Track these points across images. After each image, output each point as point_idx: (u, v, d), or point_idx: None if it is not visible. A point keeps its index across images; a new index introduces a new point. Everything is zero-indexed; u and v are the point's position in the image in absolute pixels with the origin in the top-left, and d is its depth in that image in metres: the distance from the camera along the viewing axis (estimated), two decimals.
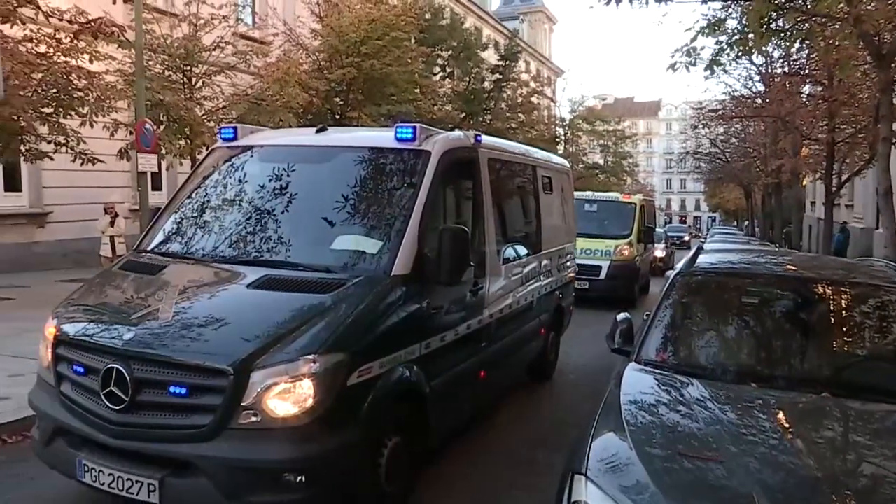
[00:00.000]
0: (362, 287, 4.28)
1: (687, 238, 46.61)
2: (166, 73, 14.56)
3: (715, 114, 30.87)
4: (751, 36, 9.99)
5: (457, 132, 5.87)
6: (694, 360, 4.26)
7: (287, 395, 3.71)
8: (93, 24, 11.27)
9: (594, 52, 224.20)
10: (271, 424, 3.70)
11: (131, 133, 13.21)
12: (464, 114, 26.02)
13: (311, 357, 3.75)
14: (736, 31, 10.54)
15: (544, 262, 7.74)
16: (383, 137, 5.43)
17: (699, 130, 37.83)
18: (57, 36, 11.25)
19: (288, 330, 3.90)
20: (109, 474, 3.79)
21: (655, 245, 21.01)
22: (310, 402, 3.71)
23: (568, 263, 9.09)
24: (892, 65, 10.29)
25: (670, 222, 79.52)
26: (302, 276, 4.42)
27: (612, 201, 17.36)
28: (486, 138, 6.27)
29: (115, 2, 12.41)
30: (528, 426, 6.76)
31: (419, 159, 5.04)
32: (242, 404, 3.67)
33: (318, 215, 4.95)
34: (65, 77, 11.14)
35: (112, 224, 13.30)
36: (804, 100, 21.98)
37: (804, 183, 30.77)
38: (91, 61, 11.52)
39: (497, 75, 28.59)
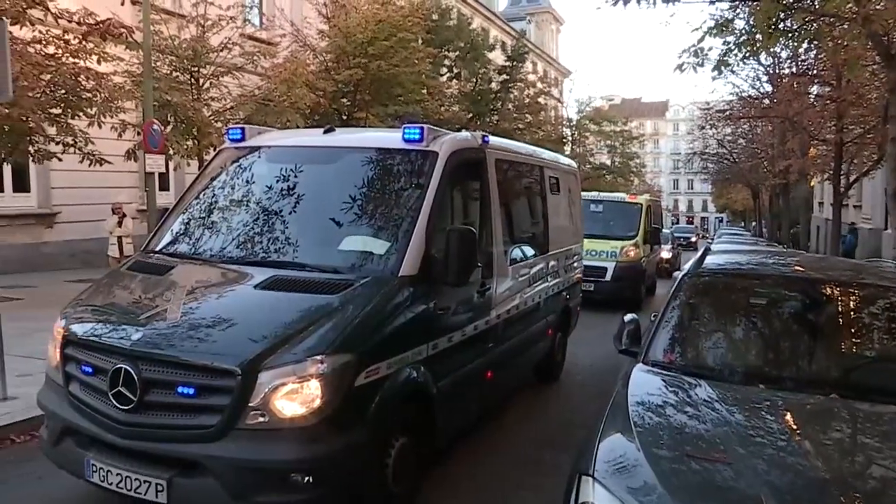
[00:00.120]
0: (370, 288, 4.29)
1: (694, 239, 46.16)
2: (174, 73, 14.59)
3: (722, 114, 30.77)
4: (758, 36, 9.94)
5: (464, 133, 5.87)
6: (702, 361, 4.25)
7: (295, 396, 3.71)
8: (101, 25, 11.31)
9: (601, 53, 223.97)
10: (279, 425, 3.71)
11: (139, 134, 13.26)
12: (471, 114, 26.00)
13: (318, 357, 3.76)
14: (744, 31, 10.49)
15: (551, 262, 7.73)
16: (391, 138, 5.43)
17: (706, 131, 37.69)
18: (65, 37, 11.28)
19: (295, 330, 3.90)
20: (117, 474, 3.81)
21: (661, 246, 20.79)
22: (317, 402, 3.72)
23: (575, 264, 9.08)
24: None
25: (677, 223, 79.34)
26: (309, 276, 4.43)
27: (617, 202, 17.16)
28: (493, 139, 6.27)
29: (123, 3, 12.47)
30: (535, 427, 6.75)
31: (427, 160, 5.04)
32: (250, 405, 3.68)
33: (326, 216, 4.96)
34: (73, 78, 11.17)
35: (120, 224, 13.34)
36: (812, 100, 21.91)
37: (812, 184, 30.66)
38: (99, 62, 11.55)
39: (504, 76, 28.57)
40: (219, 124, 14.58)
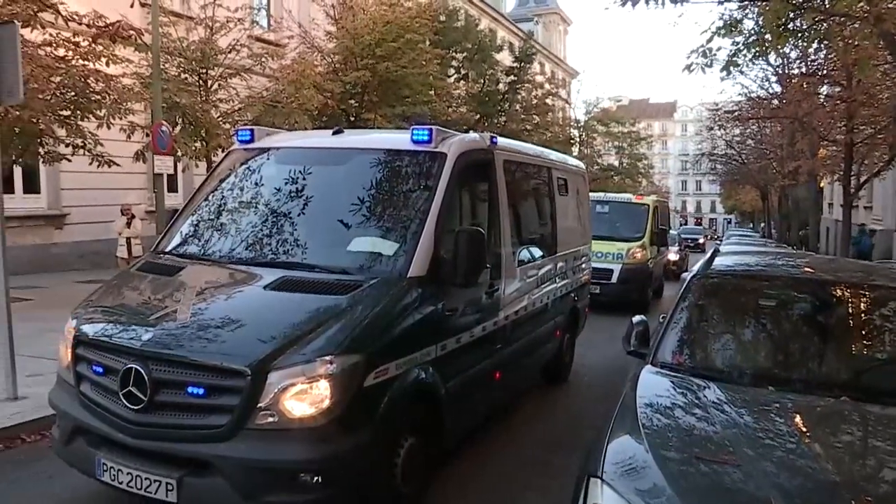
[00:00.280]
0: (379, 289, 4.30)
1: (702, 241, 45.58)
2: (182, 75, 14.64)
3: (731, 115, 30.69)
4: (767, 36, 9.91)
5: (473, 134, 5.87)
6: (710, 362, 4.24)
7: (304, 396, 3.72)
8: (110, 27, 11.35)
9: (609, 54, 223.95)
10: (288, 425, 3.72)
11: (147, 135, 13.31)
12: (478, 115, 26.02)
13: (327, 358, 3.77)
14: (752, 31, 10.46)
15: (559, 263, 7.73)
16: (399, 139, 5.43)
17: (715, 132, 37.67)
18: (75, 40, 11.34)
19: (305, 331, 3.92)
20: (128, 473, 3.83)
21: (669, 248, 20.46)
22: (326, 402, 3.73)
23: (583, 265, 9.07)
24: None
25: (685, 224, 79.03)
26: (319, 277, 4.44)
27: (624, 202, 16.90)
28: (501, 140, 6.27)
29: (132, 5, 12.52)
30: (543, 428, 6.75)
31: (435, 161, 5.05)
32: (259, 405, 3.70)
33: (335, 217, 4.97)
34: (83, 80, 11.22)
35: (128, 225, 13.41)
36: (822, 100, 21.81)
37: (821, 185, 30.52)
38: (108, 64, 11.59)
39: (512, 77, 28.57)
40: (227, 125, 14.63)
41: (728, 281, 5.00)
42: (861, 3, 9.16)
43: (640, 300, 14.14)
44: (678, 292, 4.95)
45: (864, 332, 4.47)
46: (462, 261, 4.60)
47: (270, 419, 3.70)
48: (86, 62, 11.29)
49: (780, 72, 25.67)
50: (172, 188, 17.95)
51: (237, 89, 15.24)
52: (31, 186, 16.15)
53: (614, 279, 14.31)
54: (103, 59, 11.42)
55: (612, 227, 14.90)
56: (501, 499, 5.10)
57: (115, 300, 4.79)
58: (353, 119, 18.02)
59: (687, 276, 5.30)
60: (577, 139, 40.72)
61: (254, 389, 3.69)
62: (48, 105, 10.85)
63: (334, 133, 5.88)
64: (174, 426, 3.82)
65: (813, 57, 20.43)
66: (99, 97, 11.59)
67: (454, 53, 25.77)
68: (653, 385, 3.80)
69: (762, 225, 56.13)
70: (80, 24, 11.33)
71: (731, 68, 10.93)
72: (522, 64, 28.95)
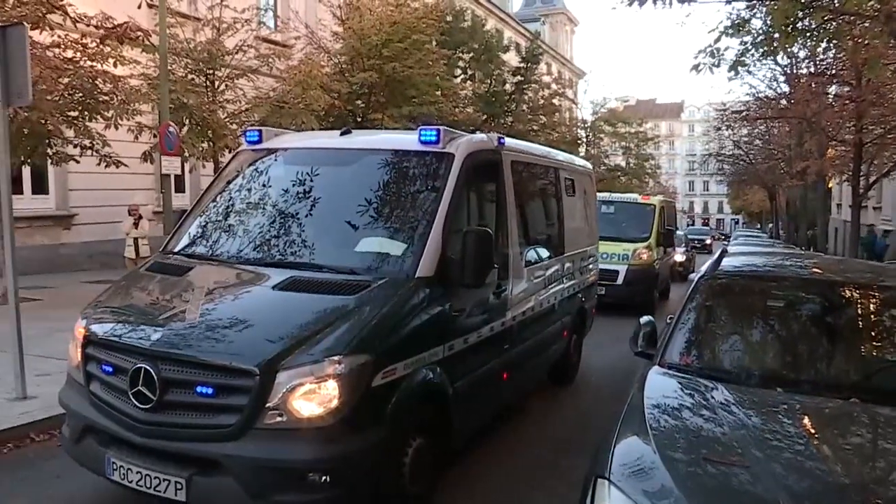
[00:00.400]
0: (387, 289, 4.30)
1: (709, 241, 45.19)
2: (189, 76, 14.70)
3: (739, 115, 30.62)
4: (776, 36, 9.88)
5: (480, 135, 5.86)
6: (718, 363, 4.22)
7: (312, 396, 3.73)
8: (118, 28, 11.41)
9: (616, 54, 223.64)
10: (296, 425, 3.73)
11: (155, 136, 13.36)
12: (485, 116, 25.99)
13: (336, 358, 3.78)
14: (761, 31, 10.44)
15: (567, 264, 7.72)
16: (407, 140, 5.43)
17: (722, 132, 37.56)
18: (83, 41, 11.39)
19: (313, 331, 3.93)
20: (137, 472, 3.85)
21: (675, 249, 20.16)
22: (335, 402, 3.74)
23: (590, 266, 9.06)
24: None
25: (692, 224, 78.72)
26: (327, 277, 4.45)
27: (630, 203, 16.63)
28: (509, 140, 6.27)
29: (139, 6, 12.56)
30: (550, 428, 6.74)
31: (443, 162, 5.05)
32: (268, 404, 3.71)
33: (343, 218, 4.97)
34: (91, 81, 11.28)
35: (136, 226, 13.43)
36: (831, 100, 21.75)
37: (830, 185, 30.42)
38: (116, 65, 11.65)
39: (518, 77, 28.53)
40: (234, 126, 14.69)
41: (736, 282, 4.98)
42: (871, 2, 9.12)
43: (645, 302, 13.84)
44: (686, 293, 4.93)
45: (873, 334, 4.44)
46: (470, 261, 4.60)
47: (279, 419, 3.71)
48: (94, 63, 11.35)
49: (789, 71, 25.65)
50: (180, 189, 18.02)
51: (244, 90, 15.28)
52: (40, 187, 16.24)
53: (620, 280, 14.07)
54: (111, 61, 11.49)
55: (617, 228, 14.64)
56: (509, 499, 5.10)
57: (125, 300, 4.82)
58: (359, 119, 18.05)
59: (695, 276, 5.28)
60: (584, 139, 40.65)
61: (262, 389, 3.70)
62: (56, 106, 10.91)
63: (342, 134, 5.89)
64: (183, 425, 3.83)
65: (822, 56, 20.36)
66: (107, 98, 11.65)
67: (461, 54, 25.77)
68: (660, 386, 3.80)
69: (770, 226, 55.94)
70: (88, 25, 11.39)
71: (739, 68, 10.92)
72: (529, 64, 28.91)
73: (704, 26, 19.57)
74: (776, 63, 24.98)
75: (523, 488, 5.25)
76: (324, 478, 3.70)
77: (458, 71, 26.19)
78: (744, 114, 30.00)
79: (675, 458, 2.96)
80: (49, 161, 12.99)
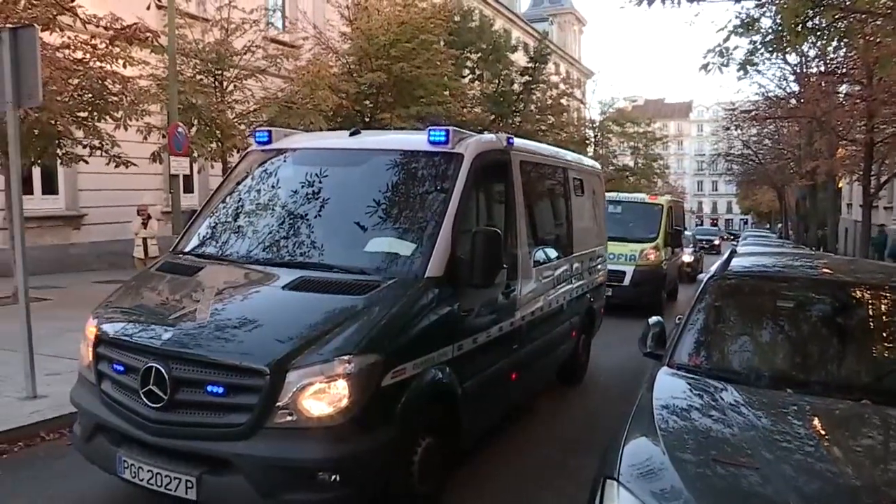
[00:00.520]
0: (396, 289, 4.31)
1: (717, 242, 44.81)
2: (198, 77, 14.75)
3: (748, 115, 30.51)
4: (786, 35, 9.83)
5: (489, 135, 5.86)
6: (727, 364, 4.21)
7: (322, 395, 3.74)
8: (127, 29, 11.47)
9: (624, 54, 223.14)
10: (306, 424, 3.74)
11: (164, 136, 13.40)
12: (493, 116, 25.98)
13: (346, 358, 3.79)
14: (770, 30, 10.40)
15: (575, 264, 7.71)
16: (416, 140, 5.43)
17: (731, 132, 37.45)
18: (93, 42, 11.45)
19: (323, 331, 3.94)
20: (148, 470, 3.87)
21: (684, 249, 19.86)
22: (344, 402, 3.75)
23: (599, 266, 9.05)
24: None
25: (701, 225, 78.38)
26: (336, 277, 4.46)
27: (637, 202, 16.42)
28: (518, 141, 6.27)
29: (148, 8, 12.63)
30: (559, 429, 6.74)
31: (452, 162, 5.05)
32: (278, 404, 3.72)
33: (353, 218, 4.98)
34: (100, 82, 11.32)
35: (145, 226, 13.50)
36: (841, 99, 21.64)
37: (840, 185, 30.29)
38: (125, 66, 11.70)
39: (526, 77, 28.51)
40: (242, 126, 14.73)
41: (746, 282, 4.96)
42: (883, 0, 9.06)
43: (653, 303, 13.57)
44: (695, 293, 4.92)
45: (884, 335, 4.42)
46: (479, 261, 4.60)
47: (289, 418, 3.72)
48: (103, 64, 11.39)
49: (798, 70, 25.53)
50: (188, 189, 18.10)
51: (252, 90, 15.33)
52: (50, 187, 16.36)
53: (627, 281, 13.84)
54: (120, 61, 11.53)
55: (624, 228, 14.39)
56: (517, 499, 5.10)
57: (136, 300, 4.85)
58: (367, 120, 18.07)
59: (704, 276, 5.26)
60: (593, 139, 40.57)
61: (273, 388, 3.71)
62: (66, 107, 10.97)
63: (351, 134, 5.89)
64: (194, 424, 3.84)
65: (832, 55, 20.24)
66: (116, 99, 11.71)
67: (469, 54, 25.76)
68: (669, 387, 3.79)
69: (779, 226, 55.70)
70: (98, 26, 11.45)
71: (749, 67, 10.88)
72: (537, 64, 28.88)
73: (713, 25, 19.54)
74: (786, 62, 24.94)
75: (532, 488, 5.24)
76: (333, 477, 3.71)
77: (466, 71, 26.18)
78: (753, 113, 29.90)
79: (685, 460, 2.95)
80: (59, 161, 13.05)
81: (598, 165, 10.58)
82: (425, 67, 18.08)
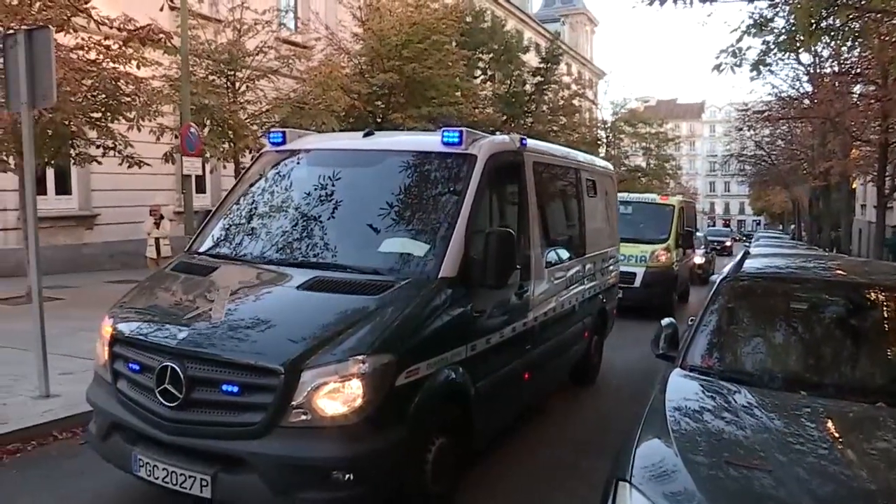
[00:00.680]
0: (410, 289, 4.32)
1: (728, 243, 44.25)
2: (210, 77, 14.83)
3: (760, 115, 30.34)
4: (799, 35, 9.77)
5: (503, 136, 5.86)
6: (740, 366, 4.19)
7: (336, 395, 3.76)
8: (140, 31, 11.53)
9: (636, 54, 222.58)
10: (321, 423, 3.75)
11: (176, 137, 13.48)
12: (505, 116, 25.97)
13: (360, 357, 3.80)
14: (783, 30, 10.33)
15: (588, 265, 7.70)
16: (430, 141, 5.44)
17: (744, 132, 37.26)
18: (106, 43, 11.51)
19: (337, 331, 3.96)
20: (164, 469, 3.89)
21: (695, 250, 19.49)
22: (358, 401, 3.76)
23: (611, 267, 9.03)
24: None
25: (713, 226, 77.97)
26: (350, 277, 4.48)
27: (648, 203, 16.16)
28: (531, 142, 6.27)
29: (161, 9, 12.68)
30: (571, 430, 6.73)
31: (466, 163, 5.06)
32: (293, 403, 3.74)
33: (367, 218, 4.99)
34: (113, 83, 11.40)
35: (157, 226, 13.57)
36: (855, 100, 21.49)
37: (854, 186, 30.08)
38: (138, 67, 11.77)
39: (538, 78, 28.51)
40: (254, 127, 14.80)
41: (759, 283, 4.93)
42: None
43: (663, 305, 13.22)
44: (707, 294, 4.90)
45: None
46: (492, 262, 4.60)
47: (304, 417, 3.74)
48: (116, 65, 11.47)
49: (812, 71, 25.37)
50: (201, 189, 18.19)
51: (264, 91, 15.39)
52: (63, 187, 16.47)
53: (637, 283, 13.59)
54: (133, 62, 11.60)
55: (635, 229, 14.05)
56: (530, 499, 5.10)
57: (151, 299, 4.88)
58: (379, 120, 18.11)
59: (717, 278, 5.24)
60: (604, 140, 40.49)
61: (287, 388, 3.73)
62: (80, 107, 11.05)
63: (365, 135, 5.91)
64: (209, 423, 3.87)
65: (846, 56, 20.10)
66: (129, 99, 11.78)
67: (480, 54, 25.78)
68: (682, 388, 3.78)
69: (792, 227, 55.37)
70: (111, 27, 11.51)
71: (761, 68, 10.81)
72: (549, 65, 28.87)
73: (726, 26, 19.42)
74: (799, 62, 24.77)
75: (544, 489, 5.24)
76: (347, 476, 3.73)
77: (478, 71, 26.20)
78: (766, 114, 29.74)
79: (697, 462, 2.94)
80: (72, 162, 13.15)
81: (610, 166, 10.55)
82: (437, 68, 18.10)
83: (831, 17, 9.82)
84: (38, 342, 6.41)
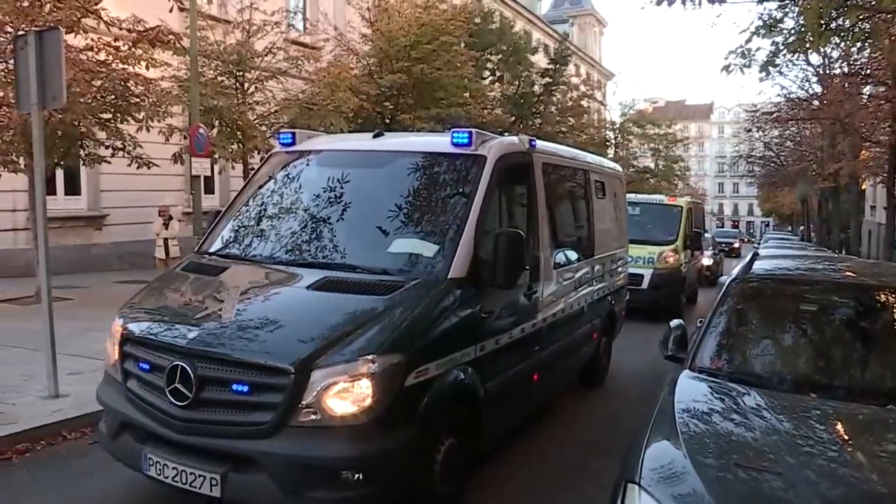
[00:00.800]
0: (419, 289, 4.33)
1: (737, 244, 43.96)
2: (219, 78, 14.87)
3: (769, 116, 30.24)
4: (809, 36, 9.73)
5: (512, 137, 5.87)
6: (750, 368, 4.18)
7: (346, 395, 3.77)
8: (150, 32, 11.59)
9: (645, 55, 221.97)
10: (330, 423, 3.76)
11: (185, 137, 13.53)
12: (513, 118, 25.96)
13: (369, 357, 3.81)
14: (793, 31, 10.30)
15: (597, 266, 7.70)
16: (439, 142, 5.46)
17: (753, 133, 37.12)
18: (116, 44, 11.57)
19: (346, 331, 3.96)
20: (173, 468, 3.91)
21: (703, 252, 19.30)
22: (368, 401, 3.77)
23: (620, 268, 9.02)
24: None
25: (721, 227, 77.63)
26: (360, 278, 4.48)
27: (656, 204, 15.98)
28: (540, 143, 6.27)
29: (171, 10, 12.73)
30: (580, 431, 6.73)
31: (475, 164, 5.06)
32: (302, 403, 3.75)
33: (376, 219, 5.00)
34: (123, 84, 11.45)
35: (166, 227, 13.62)
36: (865, 101, 21.40)
37: (864, 187, 29.94)
38: (148, 68, 11.81)
39: (547, 79, 28.46)
40: (263, 128, 14.84)
41: (768, 285, 4.91)
42: None
43: (672, 307, 12.95)
44: (717, 296, 4.89)
45: None
46: (501, 263, 4.60)
47: (313, 417, 3.75)
48: (125, 66, 11.51)
49: (821, 72, 25.28)
50: (209, 190, 18.24)
51: (273, 92, 15.43)
52: (72, 188, 16.55)
53: (645, 285, 13.43)
54: (143, 63, 11.65)
55: (643, 230, 13.74)
56: (539, 500, 5.10)
57: (161, 299, 4.90)
58: (388, 121, 18.13)
59: (726, 279, 5.23)
60: (613, 141, 40.42)
61: (297, 387, 3.74)
62: (89, 108, 11.10)
63: (375, 136, 5.91)
64: (219, 422, 3.88)
65: (856, 56, 20.00)
66: (138, 100, 11.83)
67: (489, 55, 25.77)
68: (691, 390, 3.77)
69: (801, 228, 55.11)
70: (121, 28, 11.56)
71: (771, 69, 10.78)
72: (557, 66, 28.81)
73: (735, 27, 19.43)
74: (808, 63, 24.70)
75: (553, 490, 5.24)
76: (357, 475, 3.73)
77: (487, 72, 26.19)
78: (775, 115, 29.63)
79: (706, 463, 2.93)
80: (81, 162, 13.20)
81: (619, 168, 10.53)
82: (446, 69, 18.12)
83: (841, 18, 9.76)
84: (47, 342, 6.43)
